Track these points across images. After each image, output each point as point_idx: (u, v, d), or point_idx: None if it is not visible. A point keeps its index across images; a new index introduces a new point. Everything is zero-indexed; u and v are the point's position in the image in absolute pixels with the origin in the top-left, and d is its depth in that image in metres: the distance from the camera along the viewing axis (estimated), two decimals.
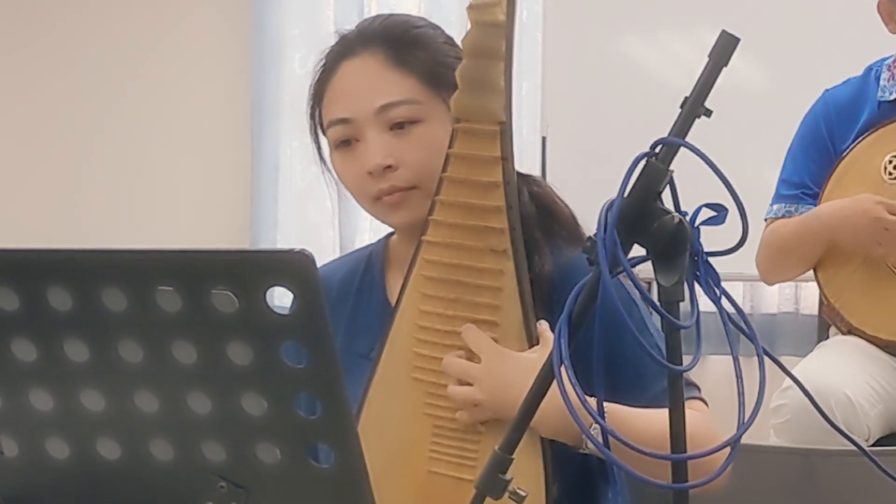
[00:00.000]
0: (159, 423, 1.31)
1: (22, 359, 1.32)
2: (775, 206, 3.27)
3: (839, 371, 2.99)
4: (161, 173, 5.14)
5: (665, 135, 1.44)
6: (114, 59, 5.15)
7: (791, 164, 3.28)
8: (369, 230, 4.85)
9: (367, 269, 2.03)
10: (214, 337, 1.25)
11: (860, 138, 3.15)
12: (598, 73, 4.44)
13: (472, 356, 1.78)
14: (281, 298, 1.25)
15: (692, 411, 1.81)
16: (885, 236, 3.01)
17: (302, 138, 5.01)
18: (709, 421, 1.80)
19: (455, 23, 1.98)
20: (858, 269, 3.12)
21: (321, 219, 4.93)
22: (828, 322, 3.35)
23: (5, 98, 5.19)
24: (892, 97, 3.14)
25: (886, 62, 3.18)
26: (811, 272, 3.24)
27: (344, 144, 1.89)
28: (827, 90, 3.28)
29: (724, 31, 1.44)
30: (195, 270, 1.25)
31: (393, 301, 1.89)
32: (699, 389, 1.90)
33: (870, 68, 3.22)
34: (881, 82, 3.16)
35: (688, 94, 1.45)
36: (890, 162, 3.09)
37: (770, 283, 3.38)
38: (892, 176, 3.08)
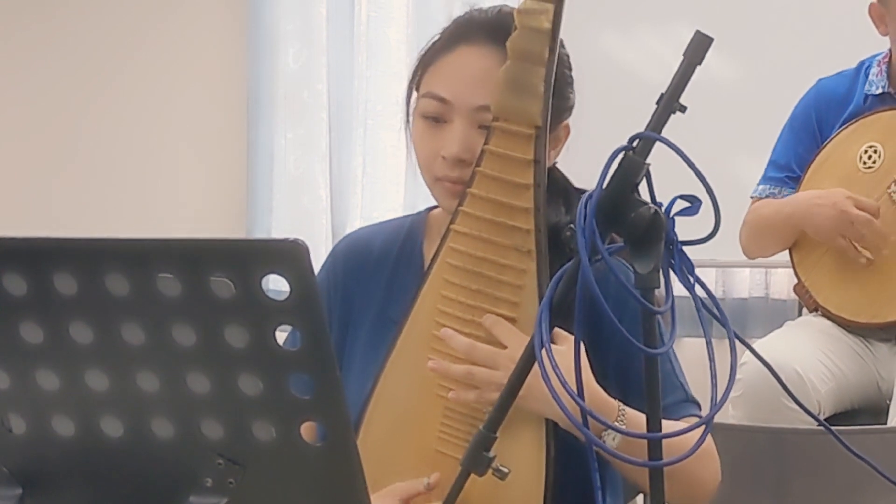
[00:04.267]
0: (160, 402, 1.32)
1: (29, 341, 1.32)
2: (761, 187, 3.32)
3: (793, 348, 3.03)
4: (162, 162, 5.13)
5: (642, 129, 1.45)
6: (114, 52, 5.13)
7: (781, 148, 3.32)
8: (360, 217, 4.86)
9: (407, 238, 2.02)
10: (212, 321, 1.25)
11: (842, 127, 3.18)
12: (578, 69, 4.43)
13: (493, 344, 1.78)
14: (276, 284, 1.26)
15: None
16: (849, 229, 3.04)
17: (296, 129, 5.07)
18: (707, 440, 1.78)
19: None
20: (830, 252, 3.16)
21: (314, 206, 4.92)
22: (800, 301, 3.38)
23: (3, 90, 5.17)
24: (878, 91, 3.17)
25: (877, 58, 3.21)
26: (785, 253, 3.27)
27: (433, 119, 1.88)
28: (820, 79, 3.31)
29: (698, 32, 1.44)
30: (194, 258, 1.25)
31: None
32: (699, 407, 1.90)
33: (862, 63, 3.26)
34: (870, 76, 3.19)
35: (664, 90, 1.46)
36: (865, 152, 3.11)
37: (751, 258, 3.40)
38: (867, 165, 3.11)
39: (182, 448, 1.33)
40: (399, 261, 2.00)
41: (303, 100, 4.95)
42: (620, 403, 1.75)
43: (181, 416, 1.32)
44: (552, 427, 1.76)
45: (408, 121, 1.96)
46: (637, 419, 1.73)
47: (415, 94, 1.94)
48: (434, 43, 1.93)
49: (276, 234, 4.86)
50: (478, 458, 1.53)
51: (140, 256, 1.27)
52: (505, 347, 1.76)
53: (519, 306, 1.77)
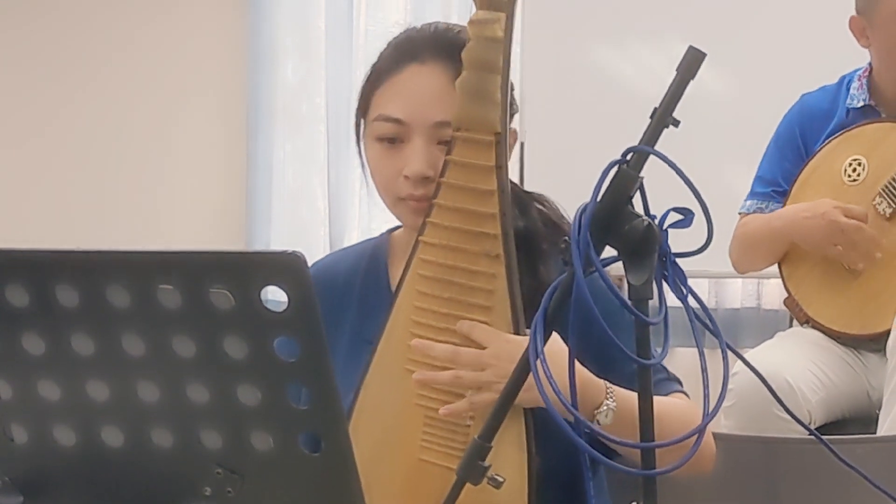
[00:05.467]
0: (160, 412, 1.32)
1: (31, 352, 1.32)
2: (748, 202, 3.33)
3: (784, 359, 3.04)
4: (162, 174, 5.13)
5: (636, 143, 1.45)
6: (114, 63, 5.13)
7: (767, 163, 3.33)
8: (357, 228, 4.86)
9: (372, 260, 2.02)
10: (212, 332, 1.25)
11: (827, 141, 3.19)
12: (574, 82, 4.45)
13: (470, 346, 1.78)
14: (275, 295, 1.26)
15: (680, 401, 1.85)
16: (840, 238, 3.06)
17: (294, 142, 5.07)
18: (697, 409, 1.81)
19: None
20: (818, 265, 3.16)
21: (312, 218, 4.93)
22: (790, 313, 3.38)
23: (2, 99, 5.17)
24: (859, 104, 3.19)
25: (858, 73, 3.23)
26: (775, 266, 3.28)
27: (388, 141, 1.88)
28: (804, 95, 3.33)
29: (691, 47, 1.45)
30: (194, 270, 1.25)
31: None
32: (682, 384, 1.93)
33: (843, 78, 3.27)
34: (851, 90, 3.21)
35: (657, 104, 1.46)
36: (850, 165, 3.12)
37: (741, 273, 3.41)
38: (851, 178, 3.12)
39: (181, 458, 1.33)
40: (366, 283, 2.00)
41: (301, 112, 4.96)
42: (607, 382, 1.76)
43: (180, 426, 1.32)
44: (532, 427, 1.76)
45: (359, 147, 1.95)
46: (625, 395, 1.74)
47: (362, 121, 1.93)
48: (374, 68, 1.93)
49: (275, 245, 4.87)
50: (473, 468, 1.52)
51: (140, 268, 1.27)
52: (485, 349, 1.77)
53: (491, 310, 1.78)
